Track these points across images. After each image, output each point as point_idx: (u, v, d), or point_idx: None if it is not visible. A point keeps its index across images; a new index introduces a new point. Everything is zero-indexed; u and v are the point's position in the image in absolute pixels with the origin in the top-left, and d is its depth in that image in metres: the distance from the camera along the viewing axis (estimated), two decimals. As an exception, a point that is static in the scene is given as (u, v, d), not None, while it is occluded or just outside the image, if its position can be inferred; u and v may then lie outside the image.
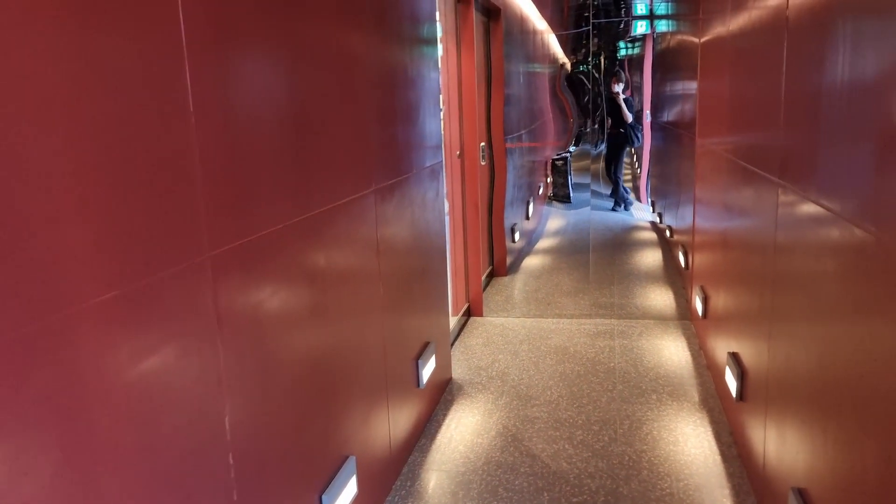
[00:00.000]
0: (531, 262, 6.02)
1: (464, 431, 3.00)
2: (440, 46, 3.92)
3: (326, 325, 1.94)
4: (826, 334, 1.67)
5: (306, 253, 1.81)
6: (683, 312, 4.48)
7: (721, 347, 3.13)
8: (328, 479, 1.93)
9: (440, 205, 3.28)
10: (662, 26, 7.04)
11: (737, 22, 2.86)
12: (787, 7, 2.00)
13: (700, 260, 4.01)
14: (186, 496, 1.27)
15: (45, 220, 0.95)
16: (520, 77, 5.84)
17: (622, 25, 7.81)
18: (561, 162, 7.77)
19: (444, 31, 4.07)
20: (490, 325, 4.38)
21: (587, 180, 7.93)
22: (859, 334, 1.45)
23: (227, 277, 1.41)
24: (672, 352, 3.83)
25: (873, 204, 1.37)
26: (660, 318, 4.40)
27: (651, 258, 6.07)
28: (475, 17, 4.37)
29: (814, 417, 1.74)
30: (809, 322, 1.80)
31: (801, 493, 1.81)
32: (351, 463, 2.06)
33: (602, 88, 7.41)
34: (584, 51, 7.86)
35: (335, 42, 1.99)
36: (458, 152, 4.38)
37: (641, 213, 7.78)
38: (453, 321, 4.15)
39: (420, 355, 2.91)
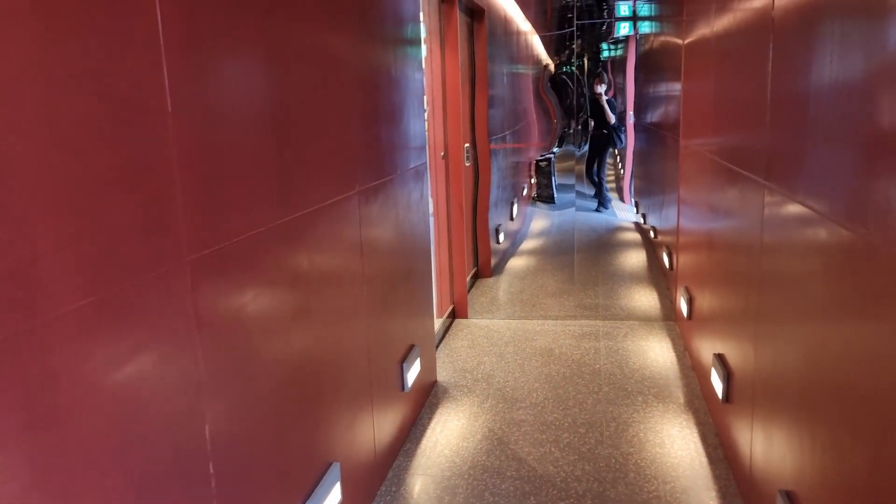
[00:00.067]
0: (516, 263, 6.02)
1: (449, 435, 2.98)
2: (424, 47, 3.90)
3: (310, 329, 1.91)
4: (813, 335, 1.66)
5: (289, 256, 1.78)
6: (668, 313, 4.49)
7: (706, 349, 3.13)
8: (312, 486, 1.90)
9: (425, 206, 3.26)
10: (646, 28, 7.06)
11: (721, 23, 2.86)
12: (773, 8, 2.00)
13: (685, 261, 4.02)
14: (165, 508, 1.23)
15: (16, 224, 0.92)
16: (504, 78, 5.83)
17: (605, 27, 7.82)
18: (545, 163, 7.77)
19: (428, 32, 4.05)
20: (475, 326, 4.36)
21: (571, 181, 7.94)
22: (846, 335, 1.44)
23: (206, 282, 1.38)
24: (657, 353, 3.83)
25: (861, 204, 1.37)
26: (645, 320, 4.41)
27: (635, 259, 6.08)
28: (459, 17, 4.35)
29: (801, 419, 1.73)
30: (796, 323, 1.80)
31: (789, 496, 1.80)
32: (335, 469, 2.03)
33: (586, 90, 7.42)
34: (567, 52, 7.87)
35: (317, 42, 1.96)
36: (442, 153, 4.36)
37: (625, 213, 7.80)
38: (438, 323, 4.12)
39: (405, 358, 2.88)
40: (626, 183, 8.37)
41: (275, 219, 1.68)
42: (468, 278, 4.90)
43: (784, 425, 1.88)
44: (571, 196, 7.79)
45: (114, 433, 1.10)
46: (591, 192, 7.80)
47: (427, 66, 4.07)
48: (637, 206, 7.58)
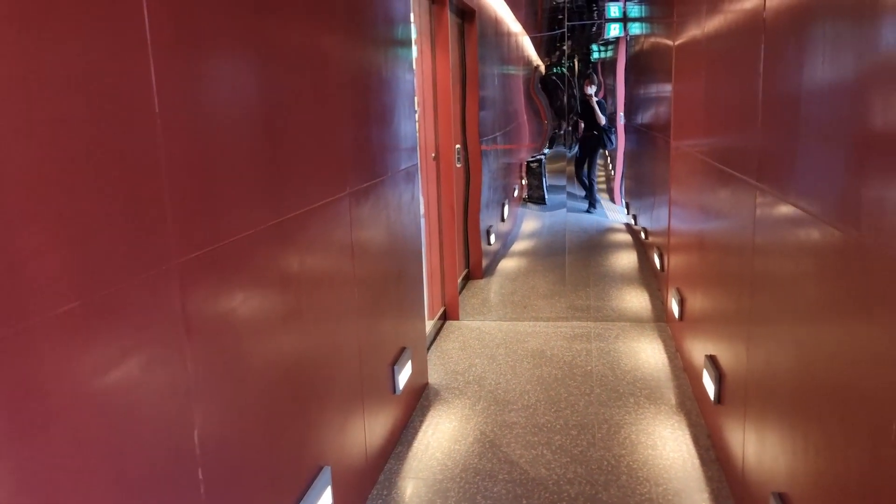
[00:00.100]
0: (507, 264, 6.01)
1: (441, 438, 2.96)
2: (415, 48, 3.88)
3: (300, 331, 1.89)
4: (806, 336, 1.66)
5: (279, 258, 1.76)
6: (659, 315, 4.49)
7: (698, 350, 3.13)
8: (303, 490, 1.88)
9: (416, 207, 3.24)
10: (636, 29, 7.08)
11: (712, 24, 2.86)
12: (765, 9, 2.00)
13: (676, 262, 4.02)
14: (153, 515, 1.22)
15: (1, 227, 0.90)
16: (494, 79, 5.82)
17: (595, 28, 7.84)
18: (536, 164, 7.77)
19: (419, 33, 4.04)
20: (466, 328, 4.35)
21: (562, 182, 7.95)
22: (839, 335, 1.44)
23: (195, 285, 1.36)
24: (649, 354, 3.83)
25: (852, 205, 1.36)
26: (636, 321, 4.41)
27: (626, 260, 6.09)
28: (450, 18, 4.34)
29: (794, 420, 1.73)
30: (789, 324, 1.80)
31: (782, 498, 1.80)
32: (326, 473, 2.01)
33: (576, 91, 7.43)
34: (558, 53, 7.87)
35: (307, 43, 1.95)
36: (433, 154, 4.34)
37: (616, 214, 7.81)
38: (429, 325, 4.11)
39: (396, 361, 2.87)
40: (616, 184, 8.38)
41: (265, 220, 1.66)
42: (459, 280, 4.89)
43: (777, 427, 1.88)
44: (563, 197, 7.80)
45: (100, 439, 1.08)
46: (582, 193, 7.81)
47: (418, 67, 4.06)
48: (628, 207, 7.60)
